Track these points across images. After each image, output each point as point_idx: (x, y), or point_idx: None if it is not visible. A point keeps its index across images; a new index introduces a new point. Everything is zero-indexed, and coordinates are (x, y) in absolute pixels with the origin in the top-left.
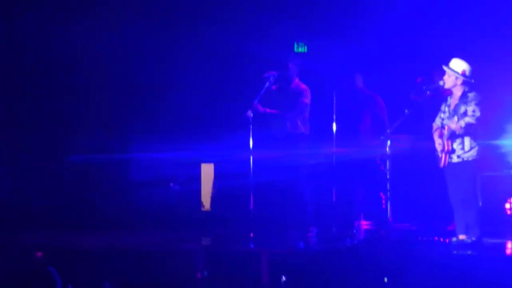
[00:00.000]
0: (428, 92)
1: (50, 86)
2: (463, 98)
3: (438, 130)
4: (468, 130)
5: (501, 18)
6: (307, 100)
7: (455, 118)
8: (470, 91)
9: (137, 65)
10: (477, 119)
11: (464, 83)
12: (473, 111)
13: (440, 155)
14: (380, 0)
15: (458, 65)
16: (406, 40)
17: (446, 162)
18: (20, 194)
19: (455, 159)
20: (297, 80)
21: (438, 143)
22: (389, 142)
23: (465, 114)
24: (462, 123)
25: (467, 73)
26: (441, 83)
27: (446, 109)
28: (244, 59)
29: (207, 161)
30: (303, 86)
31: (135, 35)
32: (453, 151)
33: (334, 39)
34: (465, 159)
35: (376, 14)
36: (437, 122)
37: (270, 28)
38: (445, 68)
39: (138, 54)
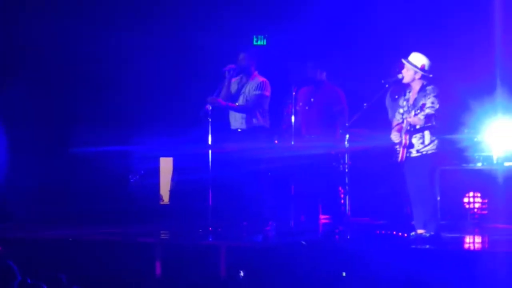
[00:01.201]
0: (386, 86)
1: None
2: (422, 91)
3: (398, 125)
4: (428, 123)
5: (458, 11)
6: (267, 92)
7: (413, 112)
8: (428, 84)
9: (97, 59)
10: (436, 110)
11: (422, 77)
12: (432, 102)
13: (398, 149)
14: None
15: (418, 59)
16: (368, 33)
17: (404, 156)
18: None
19: (414, 153)
20: (256, 73)
21: (395, 137)
22: (347, 136)
23: (423, 107)
24: (421, 116)
25: (426, 67)
26: (399, 76)
27: (405, 103)
28: (203, 53)
29: (165, 155)
30: (262, 78)
31: (94, 28)
32: (411, 145)
33: (294, 32)
34: (425, 153)
35: (338, 6)
36: (397, 117)
37: (229, 21)
38: (404, 61)
39: (98, 47)
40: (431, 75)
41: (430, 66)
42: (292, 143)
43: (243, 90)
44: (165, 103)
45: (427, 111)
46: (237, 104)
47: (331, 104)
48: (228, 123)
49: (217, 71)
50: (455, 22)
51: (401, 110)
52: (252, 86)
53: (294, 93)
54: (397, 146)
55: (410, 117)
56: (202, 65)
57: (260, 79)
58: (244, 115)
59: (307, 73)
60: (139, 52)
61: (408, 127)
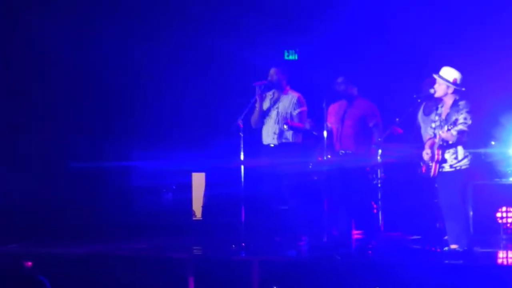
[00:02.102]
0: (419, 100)
1: None
2: (454, 106)
3: (430, 140)
4: (461, 139)
5: (488, 24)
6: (305, 106)
7: (445, 127)
8: (461, 99)
9: (128, 73)
10: (469, 126)
11: (455, 91)
12: (465, 118)
13: (430, 164)
14: (373, 10)
15: (449, 73)
16: (400, 47)
17: (437, 171)
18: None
19: (447, 168)
20: (288, 87)
21: (426, 152)
22: (380, 151)
23: (456, 122)
24: (454, 131)
25: (458, 81)
26: (431, 91)
27: (437, 118)
28: (235, 67)
29: (198, 170)
30: (297, 93)
31: (127, 42)
32: (444, 160)
33: (324, 46)
34: (458, 168)
35: (369, 20)
36: (429, 132)
37: (261, 36)
38: (436, 76)
39: (131, 62)
40: (463, 89)
41: (462, 80)
42: (325, 158)
43: (276, 106)
44: (197, 119)
45: (460, 127)
46: (273, 119)
47: (365, 119)
48: (260, 138)
49: (248, 86)
50: (485, 35)
51: (433, 125)
52: (289, 102)
53: (324, 108)
54: (429, 161)
55: (443, 132)
56: (234, 80)
57: (295, 94)
58: (276, 131)
59: (337, 88)
60: (174, 66)
61: (441, 142)
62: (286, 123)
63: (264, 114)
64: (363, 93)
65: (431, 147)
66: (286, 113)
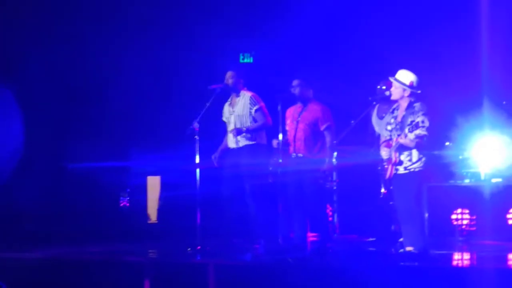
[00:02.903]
0: (374, 103)
1: None
2: (410, 108)
3: (386, 142)
4: (420, 142)
5: (445, 27)
6: (262, 103)
7: (406, 129)
8: (416, 101)
9: (86, 76)
10: (427, 129)
11: (410, 94)
12: (423, 121)
13: (386, 166)
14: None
15: (406, 76)
16: (355, 50)
17: (392, 173)
18: None
19: (401, 170)
20: (244, 89)
21: (385, 153)
22: (335, 154)
23: (412, 124)
24: (412, 136)
25: (415, 84)
26: (387, 93)
27: (392, 120)
28: (191, 71)
29: (153, 173)
30: (250, 92)
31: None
32: (400, 162)
33: (280, 49)
34: (412, 170)
35: (324, 23)
36: (385, 134)
37: (216, 39)
38: (392, 80)
39: (88, 65)
40: (419, 91)
41: (418, 83)
42: (280, 160)
43: (233, 110)
44: (152, 121)
45: (419, 131)
46: (232, 123)
47: (317, 122)
48: (218, 143)
49: (204, 89)
50: (442, 38)
51: (389, 127)
52: (243, 104)
53: (280, 111)
54: (385, 163)
55: (401, 138)
56: (190, 83)
57: (247, 93)
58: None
59: (292, 91)
60: (130, 68)
61: (398, 145)
62: (236, 134)
63: (227, 120)
64: (318, 96)
65: (388, 148)
66: (243, 114)
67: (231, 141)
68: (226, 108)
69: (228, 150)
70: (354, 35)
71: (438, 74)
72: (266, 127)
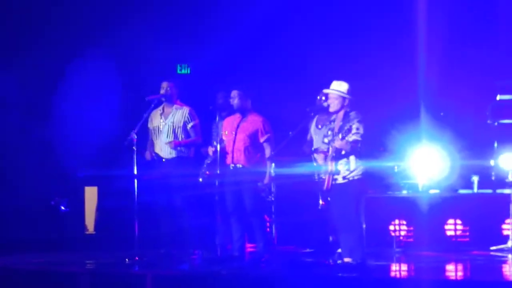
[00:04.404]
0: (312, 114)
1: None
2: (346, 117)
3: (322, 154)
4: (354, 148)
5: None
6: (197, 119)
7: (340, 135)
8: (351, 110)
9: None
10: (362, 136)
11: (345, 104)
12: (357, 128)
13: (323, 177)
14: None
15: (341, 86)
16: (293, 61)
17: (330, 184)
18: None
19: (340, 180)
20: (178, 101)
21: (322, 162)
22: (273, 165)
23: (349, 131)
24: (348, 139)
25: (349, 91)
26: (325, 104)
27: (329, 132)
28: (128, 81)
29: (91, 184)
30: (187, 106)
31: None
32: (337, 172)
33: (218, 60)
34: (351, 179)
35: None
36: (322, 147)
37: (153, 50)
38: (330, 91)
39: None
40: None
41: (351, 90)
42: (218, 171)
43: (167, 120)
44: (90, 132)
45: (353, 137)
46: (165, 133)
47: (257, 133)
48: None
49: (142, 100)
50: (379, 46)
51: (326, 140)
52: (181, 116)
53: (218, 121)
54: (322, 174)
55: (337, 141)
56: (128, 94)
57: (186, 107)
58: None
59: (231, 102)
60: (65, 79)
61: (334, 154)
62: (174, 147)
63: (155, 129)
64: (257, 106)
65: (324, 159)
66: (178, 127)
67: (162, 151)
68: (156, 116)
69: (156, 160)
70: (292, 46)
71: (376, 85)
72: (198, 143)
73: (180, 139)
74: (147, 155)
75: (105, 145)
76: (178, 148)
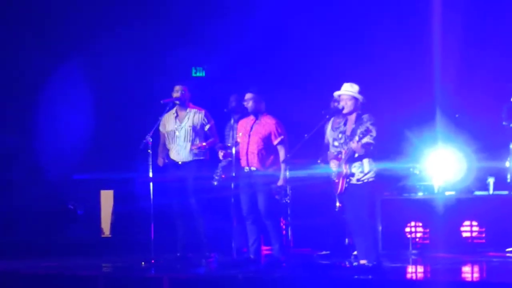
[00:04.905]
0: (327, 116)
1: None
2: (358, 120)
3: (335, 159)
4: (367, 151)
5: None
6: (213, 120)
7: (356, 137)
8: (363, 113)
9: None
10: (375, 139)
11: (357, 107)
12: (370, 130)
13: (336, 180)
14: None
15: (353, 88)
16: (308, 64)
17: (344, 187)
18: None
19: (354, 182)
20: (191, 104)
21: (335, 165)
22: (288, 167)
23: (366, 133)
24: (360, 143)
25: (359, 91)
26: (340, 106)
27: (341, 135)
28: (143, 85)
29: (107, 187)
30: (200, 109)
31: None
32: (352, 174)
33: (232, 62)
34: (365, 181)
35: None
36: (331, 150)
37: (169, 53)
38: (342, 93)
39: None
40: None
41: (361, 90)
42: (233, 174)
43: (183, 124)
44: (106, 135)
45: (366, 139)
46: (182, 137)
47: (270, 136)
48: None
49: (157, 103)
50: (394, 50)
51: (336, 143)
52: (197, 119)
53: (232, 124)
54: (335, 178)
55: (353, 143)
56: (143, 97)
57: (201, 110)
58: (187, 148)
59: (245, 104)
60: (79, 83)
61: (347, 157)
62: (198, 148)
63: (170, 133)
64: (271, 109)
65: (338, 164)
66: (196, 129)
67: (178, 155)
68: (170, 120)
69: (172, 164)
70: (306, 48)
71: (392, 87)
72: (217, 144)
73: (197, 142)
74: (160, 161)
75: (121, 148)
76: (196, 151)
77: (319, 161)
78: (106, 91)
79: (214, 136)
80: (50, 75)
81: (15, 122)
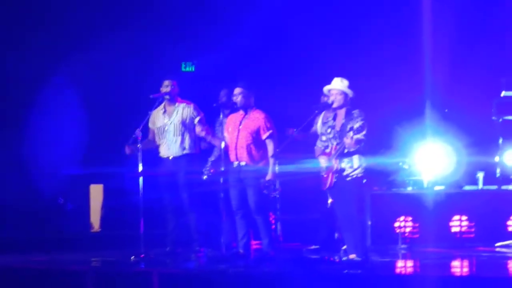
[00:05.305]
0: (316, 111)
1: None
2: (348, 115)
3: (322, 152)
4: (357, 147)
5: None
6: (202, 113)
7: (351, 133)
8: (353, 108)
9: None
10: (365, 135)
11: (347, 102)
12: (361, 127)
13: (325, 176)
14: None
15: (343, 83)
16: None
17: (333, 182)
18: None
19: (343, 177)
20: (179, 98)
21: (324, 161)
22: (277, 162)
23: (361, 130)
24: (352, 138)
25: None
26: (329, 101)
27: (329, 130)
28: (133, 79)
29: (96, 181)
30: (189, 102)
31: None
32: (342, 170)
33: (222, 57)
34: (354, 176)
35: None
36: (319, 145)
37: (158, 48)
38: (332, 87)
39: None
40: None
41: (350, 86)
42: (222, 169)
43: (172, 118)
44: (95, 130)
45: (357, 136)
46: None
47: (259, 130)
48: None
49: (147, 98)
50: (384, 43)
51: (324, 138)
52: (186, 113)
53: (222, 119)
54: (324, 173)
55: (347, 138)
56: (132, 91)
57: (190, 103)
58: (179, 144)
59: (234, 99)
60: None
61: (339, 152)
62: (205, 132)
63: (159, 129)
64: (260, 104)
65: (328, 159)
66: (185, 123)
67: (169, 150)
68: (159, 116)
69: (162, 159)
70: (296, 43)
71: (381, 82)
72: (203, 138)
73: (189, 134)
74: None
75: (110, 143)
76: (184, 146)
77: (295, 130)
78: (95, 86)
79: (204, 127)
80: (40, 70)
81: (5, 117)
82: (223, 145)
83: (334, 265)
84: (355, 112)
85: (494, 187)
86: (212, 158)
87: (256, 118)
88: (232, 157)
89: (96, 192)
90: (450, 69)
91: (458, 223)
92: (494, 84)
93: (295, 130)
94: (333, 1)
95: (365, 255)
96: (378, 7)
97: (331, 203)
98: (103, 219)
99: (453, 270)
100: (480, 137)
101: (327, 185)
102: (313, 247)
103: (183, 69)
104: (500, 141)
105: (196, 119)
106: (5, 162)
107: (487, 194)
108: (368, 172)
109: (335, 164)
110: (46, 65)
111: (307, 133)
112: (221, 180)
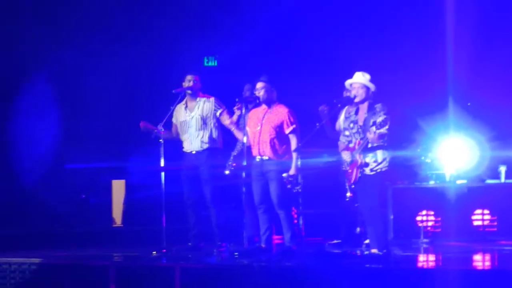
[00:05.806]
0: (339, 105)
1: None
2: (371, 110)
3: (345, 147)
4: (380, 141)
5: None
6: (224, 106)
7: (373, 128)
8: (375, 102)
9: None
10: (388, 129)
11: (369, 96)
12: (384, 121)
13: (349, 170)
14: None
15: (365, 77)
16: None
17: (357, 177)
18: None
19: (367, 172)
20: (200, 93)
21: (347, 156)
22: (300, 156)
23: (376, 124)
24: (376, 132)
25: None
26: (351, 95)
27: (352, 125)
28: (156, 74)
29: (118, 177)
30: (210, 96)
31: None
32: (366, 164)
33: (244, 52)
34: (378, 171)
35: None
36: (342, 140)
37: (181, 43)
38: (354, 81)
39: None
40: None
41: (372, 80)
42: (244, 163)
43: (193, 113)
44: (117, 125)
45: (380, 130)
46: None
47: (282, 125)
48: (180, 147)
49: (170, 93)
50: (407, 38)
51: (347, 132)
52: (208, 107)
53: (244, 113)
54: (347, 168)
55: (370, 133)
56: (154, 87)
57: (210, 97)
58: (201, 138)
59: (256, 94)
60: (90, 73)
61: (363, 146)
62: (230, 122)
63: (182, 124)
64: (283, 98)
65: (351, 154)
66: (208, 117)
67: (192, 144)
68: (181, 111)
69: (185, 154)
70: (318, 37)
71: (405, 75)
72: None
73: (211, 128)
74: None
75: (133, 138)
76: (205, 141)
77: (317, 125)
78: (120, 81)
79: (229, 119)
80: (66, 61)
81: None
82: (245, 139)
83: (356, 259)
84: (378, 106)
85: None
86: (234, 153)
87: (280, 113)
88: (254, 151)
89: (118, 187)
90: (473, 62)
91: (480, 217)
92: None
93: (317, 124)
94: None
95: (387, 249)
96: (401, 0)
97: (352, 197)
98: (125, 214)
99: (475, 264)
100: (503, 131)
101: (352, 180)
102: (335, 241)
103: (205, 64)
104: None
105: (218, 112)
106: (29, 156)
107: (509, 188)
108: (392, 166)
109: (359, 159)
110: (73, 57)
111: (333, 126)
112: (243, 174)
